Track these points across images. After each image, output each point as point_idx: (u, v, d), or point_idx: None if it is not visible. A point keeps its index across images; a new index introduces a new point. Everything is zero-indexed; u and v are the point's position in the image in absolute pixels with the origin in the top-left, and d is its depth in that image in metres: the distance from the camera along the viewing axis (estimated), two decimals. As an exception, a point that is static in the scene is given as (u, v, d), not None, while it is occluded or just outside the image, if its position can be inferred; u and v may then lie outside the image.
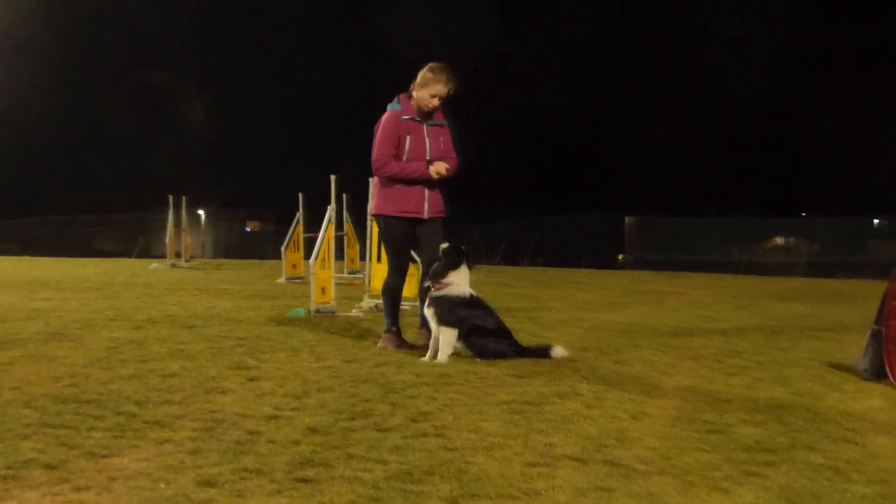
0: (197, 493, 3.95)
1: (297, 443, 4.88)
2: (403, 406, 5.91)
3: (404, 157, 8.25)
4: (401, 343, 8.54)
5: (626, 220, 34.37)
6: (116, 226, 40.68)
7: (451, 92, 8.37)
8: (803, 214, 37.50)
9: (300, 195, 18.58)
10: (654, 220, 35.01)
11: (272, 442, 4.89)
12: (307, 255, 15.10)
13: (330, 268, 12.31)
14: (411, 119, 8.33)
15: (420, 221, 8.47)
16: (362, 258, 16.03)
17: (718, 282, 21.71)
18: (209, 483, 4.11)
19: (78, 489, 3.99)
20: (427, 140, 8.35)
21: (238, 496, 3.92)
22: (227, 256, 32.64)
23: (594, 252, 33.63)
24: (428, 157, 8.29)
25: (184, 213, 26.92)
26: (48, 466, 4.34)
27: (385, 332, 8.67)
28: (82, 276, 19.86)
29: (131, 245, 36.38)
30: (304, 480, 4.18)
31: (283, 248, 19.27)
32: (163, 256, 27.63)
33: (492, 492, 4.06)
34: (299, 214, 18.73)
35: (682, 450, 4.89)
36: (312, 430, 5.17)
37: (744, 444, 5.05)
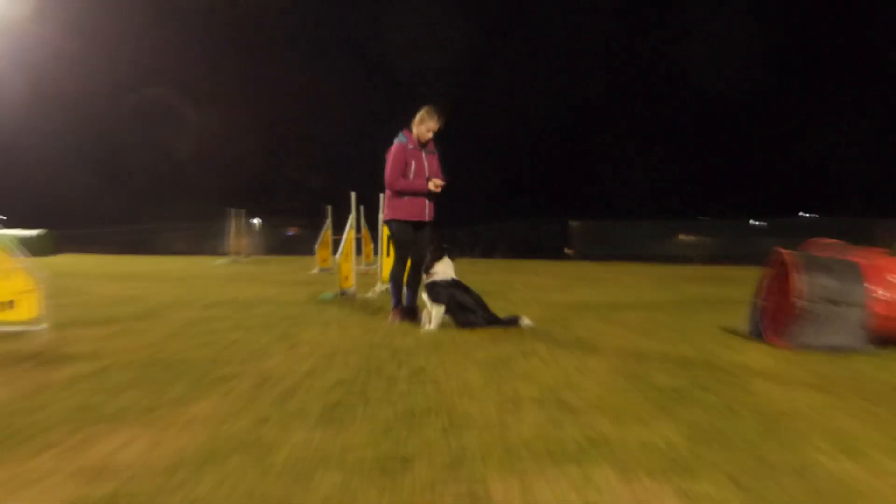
0: (253, 430, 3.97)
1: (327, 392, 4.89)
2: (407, 363, 5.92)
3: (410, 177, 8.33)
4: (404, 317, 8.55)
5: (571, 223, 34.33)
6: (191, 231, 40.51)
7: (441, 126, 8.49)
8: (700, 219, 37.54)
9: (329, 207, 18.56)
10: (593, 222, 34.98)
11: (309, 391, 4.90)
12: (334, 252, 15.07)
13: (351, 261, 12.31)
14: (414, 148, 8.42)
15: (421, 225, 8.53)
16: (375, 253, 16.02)
17: (641, 269, 21.72)
18: (262, 422, 4.12)
19: (164, 428, 4.00)
20: (425, 164, 8.46)
21: (284, 431, 3.93)
22: (273, 254, 32.42)
23: (548, 247, 33.61)
24: (427, 176, 8.40)
25: (242, 221, 26.87)
26: (142, 410, 4.35)
27: (392, 309, 8.68)
28: (164, 270, 19.79)
29: (202, 246, 36.24)
30: (334, 419, 4.19)
31: (315, 247, 19.30)
32: (226, 255, 27.57)
33: (473, 425, 4.08)
34: (328, 221, 18.72)
35: (613, 393, 4.91)
36: (339, 383, 5.18)
37: (659, 388, 5.07)
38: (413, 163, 8.41)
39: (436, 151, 8.68)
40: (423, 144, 8.52)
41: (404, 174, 8.38)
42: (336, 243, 14.16)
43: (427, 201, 8.51)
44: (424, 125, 8.44)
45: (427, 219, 8.56)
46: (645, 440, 3.81)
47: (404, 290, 8.63)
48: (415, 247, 8.53)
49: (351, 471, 3.29)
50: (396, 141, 8.48)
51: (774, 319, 7.33)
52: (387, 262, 12.70)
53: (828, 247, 8.12)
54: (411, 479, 3.20)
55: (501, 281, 15.92)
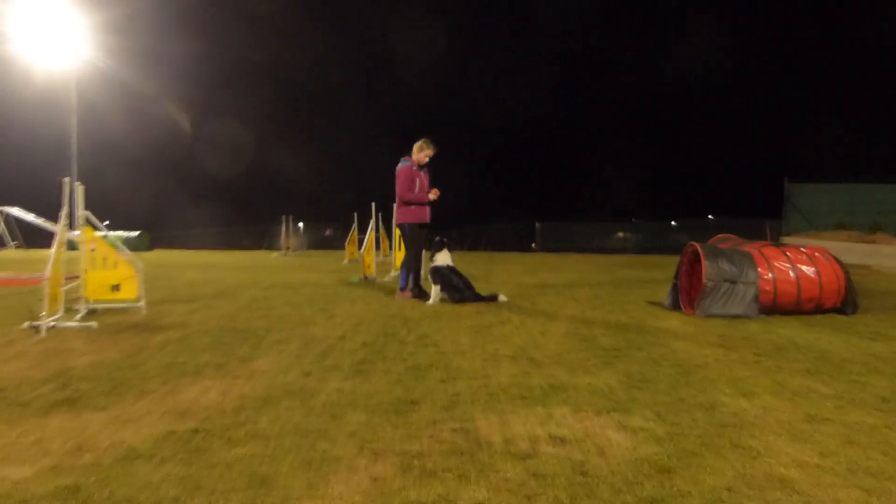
0: (300, 380, 3.96)
1: (355, 351, 4.89)
2: (415, 330, 5.92)
3: (416, 191, 8.48)
4: (416, 296, 8.56)
5: (536, 224, 34.35)
6: (253, 231, 40.53)
7: (435, 153, 8.70)
8: (633, 220, 37.59)
9: (355, 213, 18.55)
10: (553, 223, 35.01)
11: (341, 351, 4.89)
12: (359, 247, 15.06)
13: (372, 254, 12.31)
14: (417, 169, 8.56)
15: (425, 225, 8.68)
16: (390, 248, 16.01)
17: (588, 258, 21.72)
18: (306, 374, 4.12)
19: (233, 378, 3.99)
20: (425, 181, 8.60)
21: (323, 381, 3.92)
22: (313, 249, 32.41)
23: (518, 243, 33.60)
24: (426, 190, 8.51)
25: (290, 223, 26.95)
26: (216, 366, 4.35)
27: (400, 290, 8.69)
28: (233, 261, 19.76)
29: (261, 243, 36.19)
30: (360, 372, 4.19)
31: (346, 244, 19.21)
32: (279, 250, 27.59)
33: (464, 375, 4.07)
34: (355, 224, 18.66)
35: (568, 351, 4.91)
36: (364, 344, 5.17)
37: (603, 347, 5.07)
38: (417, 180, 8.58)
39: (427, 171, 8.86)
40: (421, 166, 8.69)
41: (411, 189, 8.53)
42: (360, 241, 14.13)
43: (428, 209, 8.68)
44: (423, 152, 8.65)
45: (428, 220, 8.71)
46: (592, 386, 3.81)
47: (410, 276, 8.67)
48: (420, 242, 8.63)
49: (372, 411, 3.28)
50: (403, 164, 8.65)
51: (688, 295, 7.34)
52: (399, 255, 12.71)
53: (728, 240, 8.12)
54: (417, 417, 3.19)
55: (484, 268, 15.91)
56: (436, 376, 4.06)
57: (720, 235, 8.58)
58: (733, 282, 6.71)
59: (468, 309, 7.44)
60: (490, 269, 15.36)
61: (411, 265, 8.69)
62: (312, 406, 3.37)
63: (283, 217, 26.81)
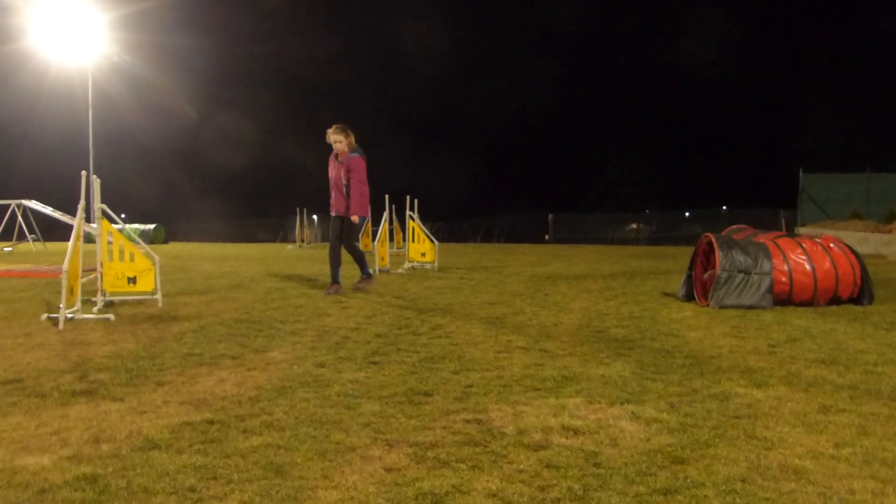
0: (314, 370, 3.98)
1: (369, 342, 4.90)
2: (428, 321, 5.92)
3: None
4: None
5: (549, 215, 34.27)
6: (269, 223, 40.70)
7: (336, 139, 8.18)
8: (646, 211, 37.44)
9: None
10: (565, 214, 34.92)
11: (355, 342, 4.91)
12: (373, 239, 15.09)
13: (385, 246, 12.33)
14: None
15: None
16: (403, 240, 16.03)
17: (602, 249, 21.67)
18: (321, 365, 4.13)
19: (249, 370, 4.02)
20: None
21: (337, 372, 3.94)
22: (327, 241, 32.61)
23: (531, 233, 33.56)
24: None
25: (305, 217, 27.04)
26: (232, 357, 4.37)
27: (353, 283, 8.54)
28: (249, 253, 19.86)
29: (276, 235, 36.35)
30: (374, 363, 4.20)
31: (359, 235, 19.28)
32: (294, 242, 27.70)
33: (477, 366, 4.08)
34: (367, 218, 18.71)
35: (581, 342, 4.90)
36: (378, 335, 5.19)
37: (615, 338, 5.06)
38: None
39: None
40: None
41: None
42: (374, 233, 14.16)
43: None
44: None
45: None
46: (605, 377, 3.81)
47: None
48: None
49: (386, 402, 3.29)
50: (361, 155, 8.23)
51: (702, 286, 7.30)
52: (414, 246, 12.72)
53: (742, 231, 8.07)
54: (431, 408, 3.20)
55: (497, 258, 15.91)
56: (449, 367, 4.06)
57: (734, 226, 8.53)
58: (748, 273, 6.66)
59: (481, 300, 7.44)
60: (502, 260, 15.36)
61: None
62: (327, 396, 3.39)
63: (298, 209, 26.94)
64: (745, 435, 2.78)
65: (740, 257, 6.72)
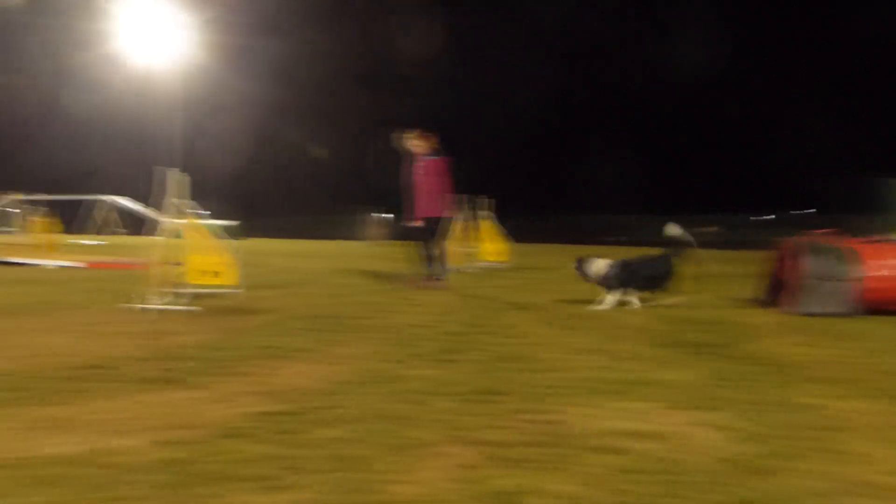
0: (383, 366, 4.04)
1: (440, 339, 4.94)
2: (501, 321, 5.93)
3: None
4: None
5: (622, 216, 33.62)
6: (343, 222, 41.52)
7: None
8: (723, 213, 36.11)
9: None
10: (636, 216, 34.19)
11: (427, 339, 4.96)
12: (446, 239, 15.17)
13: (459, 244, 12.35)
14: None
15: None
16: (476, 240, 16.05)
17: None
18: (392, 361, 4.20)
19: (322, 363, 4.11)
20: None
21: (409, 368, 3.99)
22: (399, 240, 33.02)
23: (600, 234, 32.92)
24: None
25: (378, 215, 27.56)
26: (307, 350, 4.49)
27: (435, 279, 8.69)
28: (323, 250, 20.33)
29: (348, 233, 37.11)
30: (445, 360, 4.23)
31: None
32: (366, 240, 28.20)
33: (549, 367, 4.05)
34: (449, 218, 18.80)
35: (653, 346, 4.81)
36: (448, 333, 5.22)
37: (689, 342, 4.93)
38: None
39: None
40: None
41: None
42: (447, 232, 14.22)
43: None
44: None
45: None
46: (678, 382, 3.73)
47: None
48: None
49: (457, 399, 3.32)
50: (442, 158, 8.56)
51: (784, 291, 7.03)
52: (485, 246, 12.73)
53: (825, 236, 7.74)
54: (502, 407, 3.21)
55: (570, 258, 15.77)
56: (517, 366, 4.06)
57: (816, 231, 8.18)
58: (834, 279, 6.38)
59: (554, 301, 7.40)
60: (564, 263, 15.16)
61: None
62: (399, 392, 3.44)
63: (370, 208, 27.41)
64: (824, 448, 2.68)
65: (827, 262, 6.44)
